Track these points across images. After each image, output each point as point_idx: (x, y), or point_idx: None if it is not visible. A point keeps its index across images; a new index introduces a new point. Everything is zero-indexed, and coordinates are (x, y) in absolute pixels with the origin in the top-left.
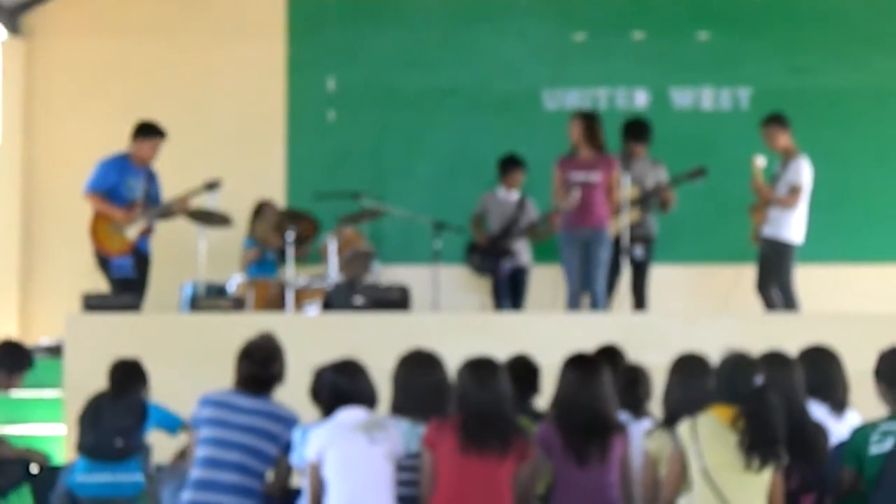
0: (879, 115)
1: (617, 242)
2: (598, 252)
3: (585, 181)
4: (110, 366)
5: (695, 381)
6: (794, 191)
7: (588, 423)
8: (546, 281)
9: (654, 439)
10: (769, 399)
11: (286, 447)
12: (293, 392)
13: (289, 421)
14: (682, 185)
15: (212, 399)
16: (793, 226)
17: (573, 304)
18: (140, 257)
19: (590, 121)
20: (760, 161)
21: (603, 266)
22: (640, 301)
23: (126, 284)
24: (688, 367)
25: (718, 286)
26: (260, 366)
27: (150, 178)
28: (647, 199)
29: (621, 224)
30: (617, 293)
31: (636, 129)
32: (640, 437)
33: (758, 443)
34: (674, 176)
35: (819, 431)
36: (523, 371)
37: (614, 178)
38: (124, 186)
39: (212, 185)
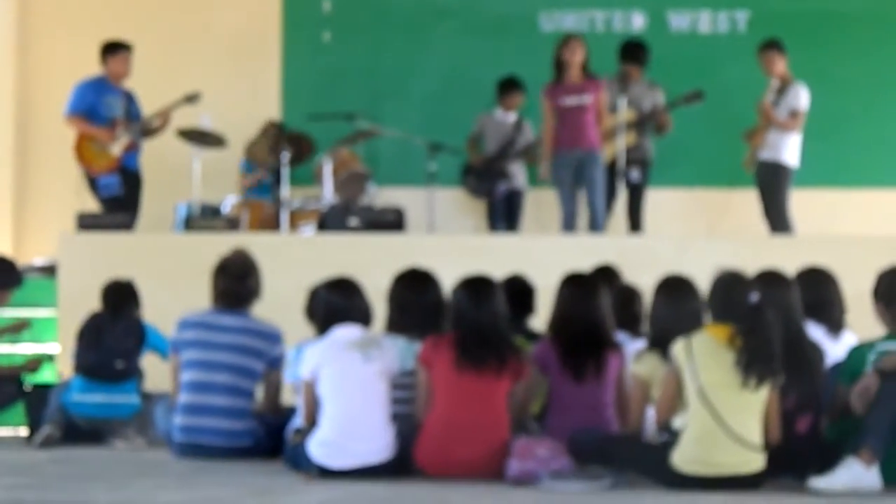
0: (878, 40)
1: (613, 165)
2: (592, 173)
3: (578, 104)
4: (104, 286)
5: (681, 303)
6: (795, 115)
7: (584, 338)
8: (541, 204)
9: (644, 362)
10: (765, 316)
11: (272, 362)
12: (288, 311)
13: (273, 336)
14: (678, 109)
15: (192, 321)
16: (790, 149)
17: (568, 226)
18: (129, 175)
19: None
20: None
21: (599, 186)
22: (635, 223)
23: (115, 203)
24: (673, 289)
25: (713, 209)
26: (236, 280)
27: (129, 98)
28: (644, 123)
29: (617, 146)
30: (612, 215)
31: (633, 51)
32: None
33: (755, 360)
34: (670, 99)
35: (815, 351)
36: (519, 291)
37: (602, 101)
38: (102, 105)
39: (191, 98)
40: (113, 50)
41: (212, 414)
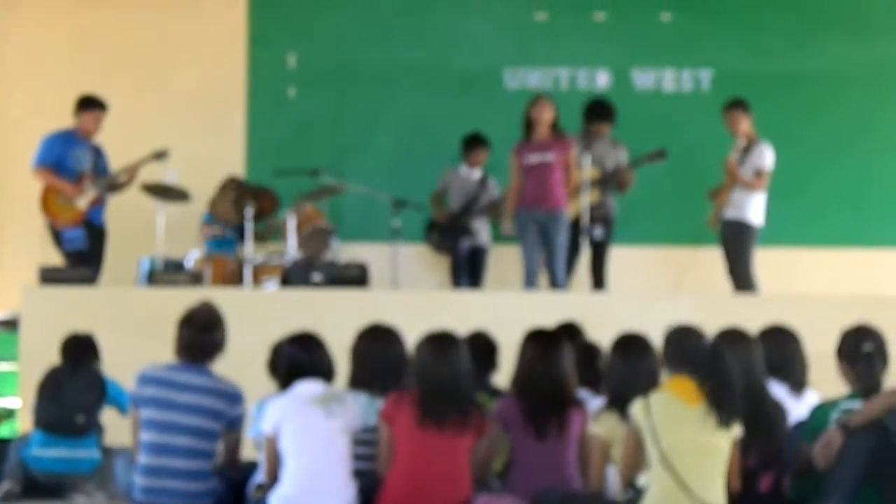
0: (839, 100)
1: (576, 222)
2: (555, 234)
3: (541, 162)
4: (63, 339)
5: (637, 361)
6: (760, 174)
7: (547, 396)
8: (505, 260)
9: (602, 422)
10: (723, 360)
11: (231, 423)
12: (251, 367)
13: (232, 396)
14: (641, 167)
15: (153, 376)
16: (755, 208)
17: (530, 283)
18: (93, 229)
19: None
20: (742, 142)
21: (561, 247)
22: (599, 281)
23: (79, 257)
24: (629, 347)
25: (677, 267)
26: (201, 332)
27: (97, 152)
28: (606, 181)
29: (581, 204)
30: (576, 273)
31: (600, 109)
32: None
33: (718, 402)
34: (634, 158)
35: (777, 409)
36: (482, 347)
37: (571, 159)
38: (70, 158)
39: (160, 154)
40: (87, 105)
41: (171, 476)
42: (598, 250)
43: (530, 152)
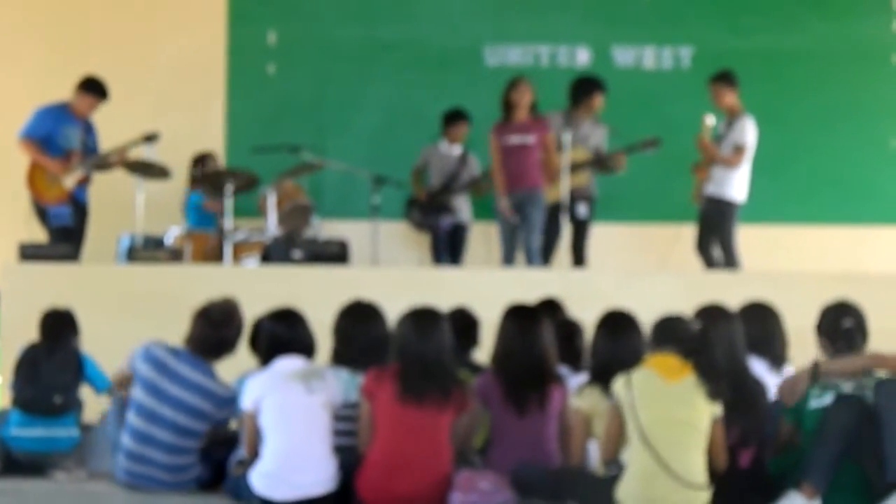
0: (820, 78)
1: (557, 204)
2: (532, 213)
3: (521, 143)
4: (41, 315)
5: (622, 338)
6: (738, 150)
7: (527, 371)
8: (485, 238)
9: (585, 396)
10: (709, 340)
11: (217, 424)
12: None
13: (223, 400)
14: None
15: (154, 355)
16: (736, 185)
17: (507, 261)
18: (78, 206)
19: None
20: (710, 120)
21: (537, 226)
22: (579, 259)
23: (64, 233)
24: (615, 324)
25: (659, 245)
26: (214, 327)
27: (88, 129)
28: (601, 164)
29: (563, 182)
30: (558, 251)
31: (591, 83)
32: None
33: (704, 380)
34: (629, 145)
35: (758, 385)
36: (463, 323)
37: (549, 140)
38: (60, 135)
39: (150, 138)
40: (89, 89)
41: (153, 466)
42: (580, 228)
43: (510, 133)
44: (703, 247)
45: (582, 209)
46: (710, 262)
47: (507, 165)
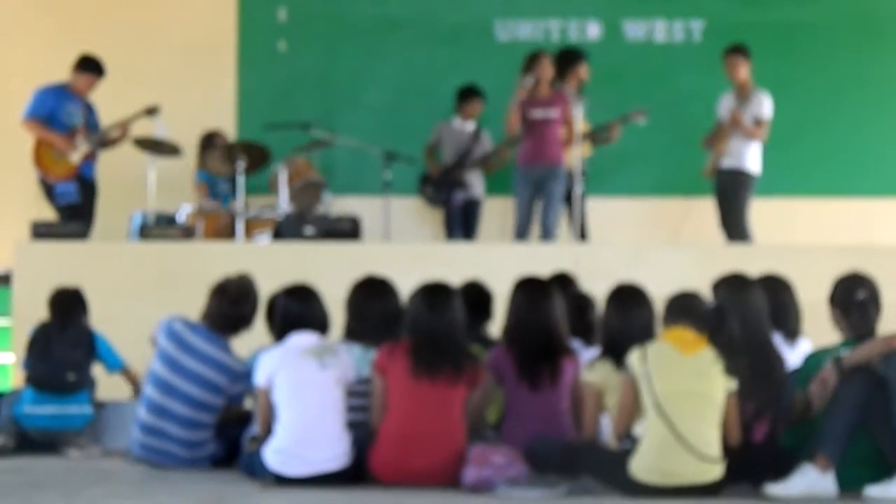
0: (832, 50)
1: (569, 175)
2: (553, 188)
3: (545, 118)
4: (51, 294)
5: (633, 312)
6: (760, 123)
7: (539, 345)
8: (498, 213)
9: (596, 370)
10: (728, 318)
11: (232, 398)
12: None
13: (238, 374)
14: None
15: (173, 328)
16: (752, 157)
17: (520, 235)
18: (85, 184)
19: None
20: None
21: (557, 201)
22: (583, 232)
23: (72, 211)
24: (626, 298)
25: (670, 218)
26: (229, 304)
27: (89, 108)
28: (596, 136)
29: (574, 157)
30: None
31: (576, 53)
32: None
33: (719, 356)
34: (621, 115)
35: (779, 359)
36: (476, 297)
37: (570, 114)
38: (63, 112)
39: (151, 111)
40: (85, 67)
41: (169, 440)
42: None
43: (534, 107)
44: (726, 221)
45: (578, 185)
46: (733, 235)
47: (529, 139)
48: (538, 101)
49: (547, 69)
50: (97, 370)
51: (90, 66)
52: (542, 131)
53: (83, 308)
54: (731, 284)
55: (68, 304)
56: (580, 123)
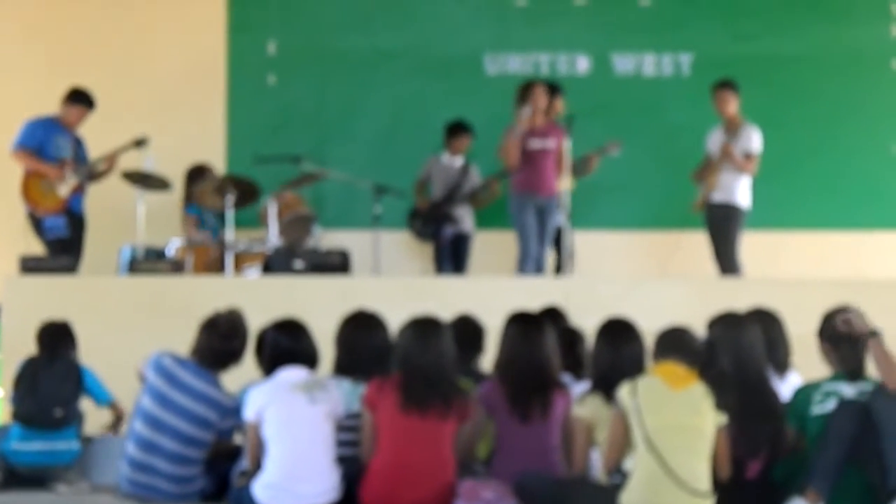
0: (819, 83)
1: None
2: (549, 220)
3: (542, 148)
4: (39, 328)
5: (623, 346)
6: (750, 157)
7: (530, 378)
8: (488, 247)
9: (586, 404)
10: (718, 354)
11: (221, 433)
12: None
13: (228, 410)
14: (607, 155)
15: (162, 363)
16: (742, 191)
17: (529, 266)
18: (74, 217)
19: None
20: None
21: (551, 234)
22: (560, 265)
23: (60, 245)
24: (615, 332)
25: (660, 252)
26: (220, 339)
27: (78, 142)
28: (576, 167)
29: (563, 188)
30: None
31: (552, 87)
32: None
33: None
34: (597, 148)
35: (774, 396)
36: (467, 331)
37: (564, 146)
38: (52, 145)
39: (140, 142)
40: (76, 99)
41: (157, 475)
42: (559, 235)
43: (532, 137)
44: (718, 255)
45: (560, 216)
46: (724, 269)
47: (526, 169)
48: (535, 132)
49: (542, 99)
50: (84, 403)
51: (81, 99)
52: (540, 162)
53: (72, 342)
54: (726, 322)
55: (56, 339)
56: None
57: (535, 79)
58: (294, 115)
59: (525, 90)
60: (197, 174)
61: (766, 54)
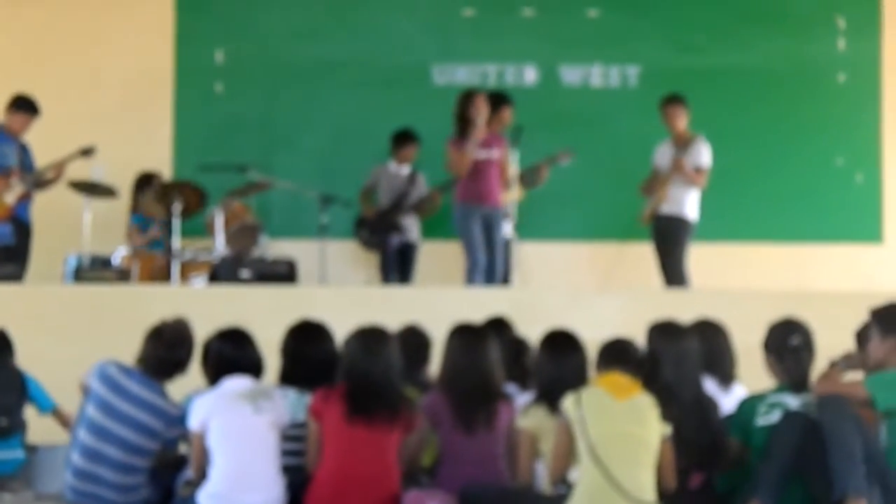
0: (765, 96)
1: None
2: (497, 231)
3: (487, 158)
4: None
5: (565, 357)
6: (700, 171)
7: (474, 389)
8: (434, 257)
9: (530, 416)
10: (660, 364)
11: (167, 443)
12: None
13: (173, 419)
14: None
15: (106, 373)
16: (691, 204)
17: (478, 276)
18: (20, 225)
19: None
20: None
21: (501, 244)
22: (507, 276)
23: (6, 253)
24: (558, 343)
25: (604, 263)
26: (166, 348)
27: (23, 149)
28: (525, 178)
29: (510, 200)
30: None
31: (501, 96)
32: None
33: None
34: (548, 157)
35: (712, 406)
36: (414, 341)
37: (506, 156)
38: None
39: (87, 151)
40: (20, 107)
41: (101, 484)
42: (506, 246)
43: (476, 148)
44: (665, 267)
45: (507, 227)
46: (671, 280)
47: (471, 180)
48: (479, 142)
49: (484, 108)
50: (28, 412)
51: (24, 106)
52: (485, 172)
53: (9, 349)
54: (665, 331)
55: None
56: (511, 166)
57: (480, 89)
58: (241, 124)
59: (466, 99)
60: (144, 182)
61: (713, 67)
